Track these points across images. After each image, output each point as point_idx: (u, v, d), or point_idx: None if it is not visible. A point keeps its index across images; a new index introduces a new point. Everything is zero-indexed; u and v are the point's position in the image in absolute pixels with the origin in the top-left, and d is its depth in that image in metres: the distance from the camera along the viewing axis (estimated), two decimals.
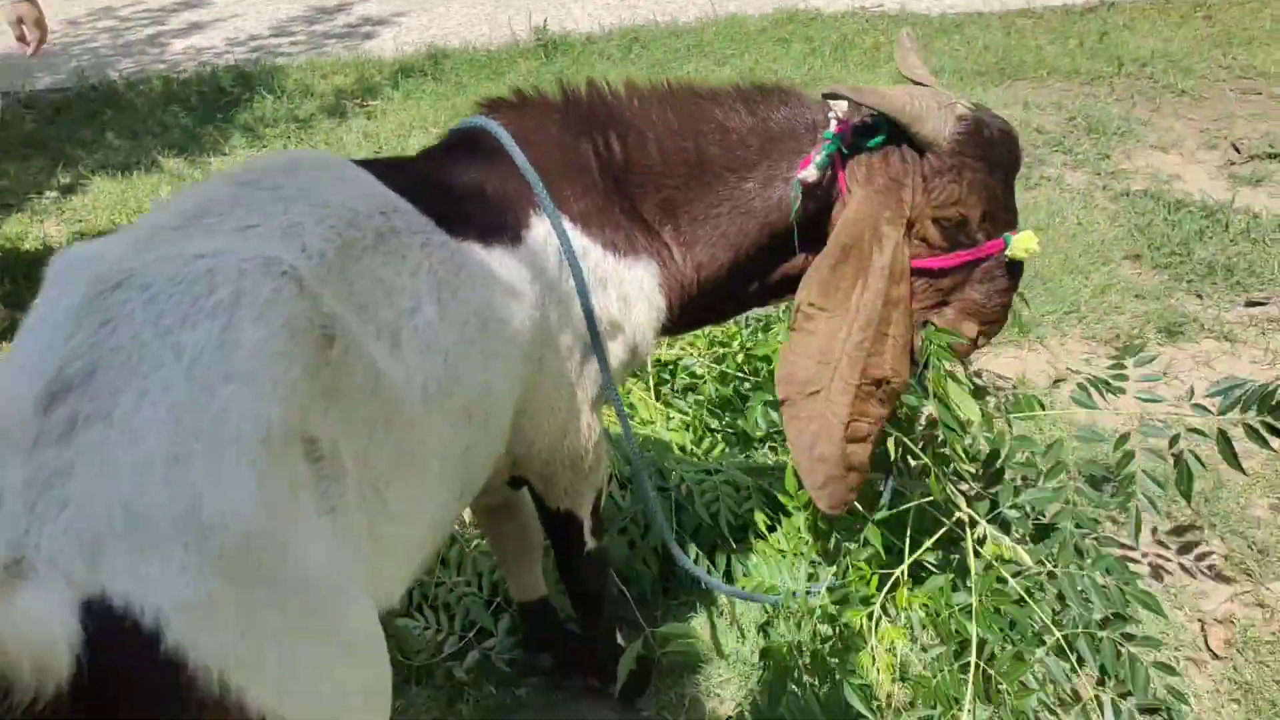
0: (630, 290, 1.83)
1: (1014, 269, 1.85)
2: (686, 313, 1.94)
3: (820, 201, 1.82)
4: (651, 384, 3.19)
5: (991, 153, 1.71)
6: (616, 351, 1.86)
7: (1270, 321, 3.72)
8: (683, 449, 2.94)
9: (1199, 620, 2.59)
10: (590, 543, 2.09)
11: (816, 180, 1.78)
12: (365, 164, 1.61)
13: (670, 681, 2.47)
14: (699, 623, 2.58)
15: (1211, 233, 4.25)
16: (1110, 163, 5.00)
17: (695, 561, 2.56)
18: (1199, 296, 3.90)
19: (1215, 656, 2.49)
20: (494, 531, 2.30)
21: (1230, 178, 4.80)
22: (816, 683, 2.19)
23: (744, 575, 2.67)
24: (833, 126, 1.79)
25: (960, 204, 1.73)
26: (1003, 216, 1.78)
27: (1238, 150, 5.05)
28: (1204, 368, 3.52)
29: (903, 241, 1.75)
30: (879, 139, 1.77)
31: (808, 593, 2.20)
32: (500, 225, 1.66)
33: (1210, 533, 2.84)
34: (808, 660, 2.20)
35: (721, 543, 2.71)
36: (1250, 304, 3.84)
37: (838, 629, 2.25)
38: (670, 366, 3.30)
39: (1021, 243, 1.78)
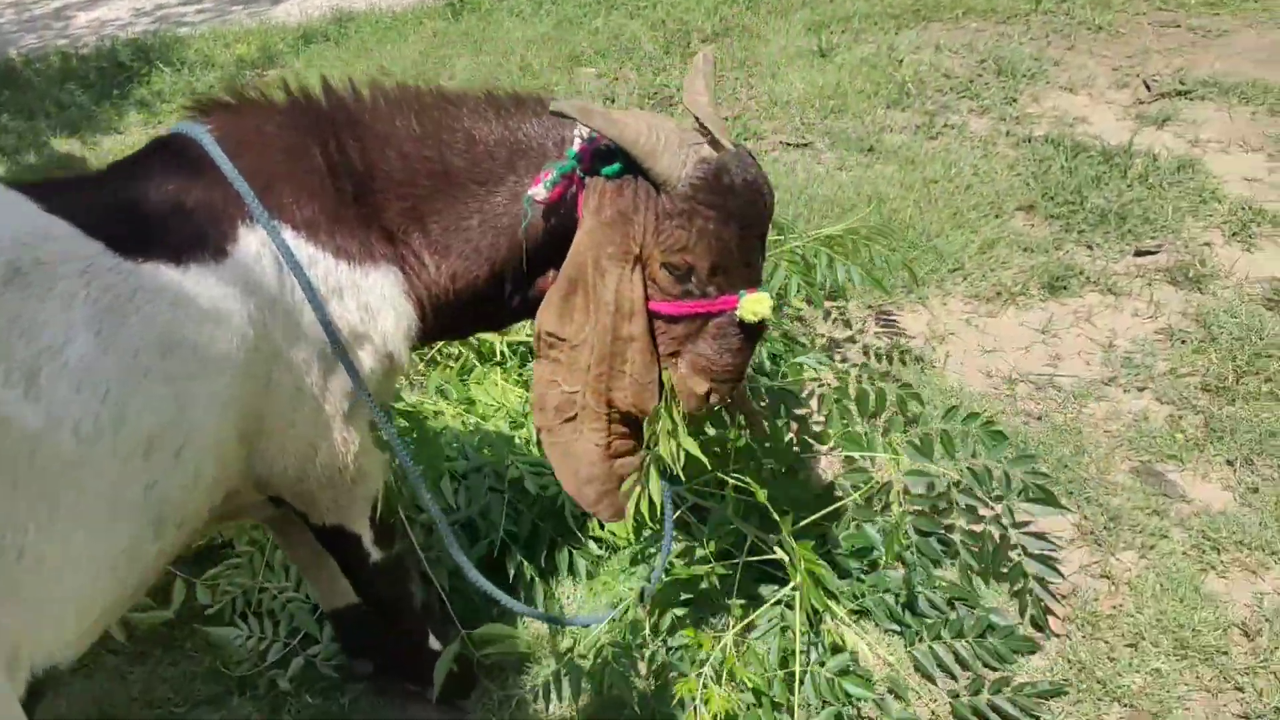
0: (371, 299, 1.73)
1: (750, 330, 1.70)
2: (443, 319, 1.85)
3: (565, 221, 1.72)
4: (496, 366, 3.09)
5: (728, 203, 1.58)
6: (367, 361, 1.76)
7: (1158, 271, 3.63)
8: (528, 441, 2.85)
9: (1040, 597, 2.53)
10: (375, 553, 2.01)
11: (550, 200, 1.67)
12: (32, 187, 1.49)
13: (498, 683, 2.41)
14: (532, 622, 2.51)
15: (1108, 179, 4.13)
16: (1016, 107, 4.86)
17: (513, 569, 2.50)
18: (1089, 247, 3.80)
19: (1053, 634, 2.43)
20: (286, 543, 2.22)
21: (1137, 118, 4.68)
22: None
23: (586, 575, 2.62)
24: (575, 145, 1.68)
25: (687, 251, 1.61)
26: (739, 272, 1.65)
27: (1148, 88, 4.92)
28: (1084, 323, 3.43)
29: (631, 278, 1.64)
30: (616, 167, 1.64)
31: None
32: (198, 241, 1.55)
33: (1066, 501, 2.77)
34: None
35: (562, 540, 2.64)
36: (1140, 253, 3.74)
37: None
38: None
39: (751, 305, 1.63)
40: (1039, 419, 3.05)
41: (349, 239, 1.70)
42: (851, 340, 3.46)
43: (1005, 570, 2.49)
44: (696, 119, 1.64)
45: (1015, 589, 2.45)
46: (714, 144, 1.62)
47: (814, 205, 4.05)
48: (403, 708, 2.39)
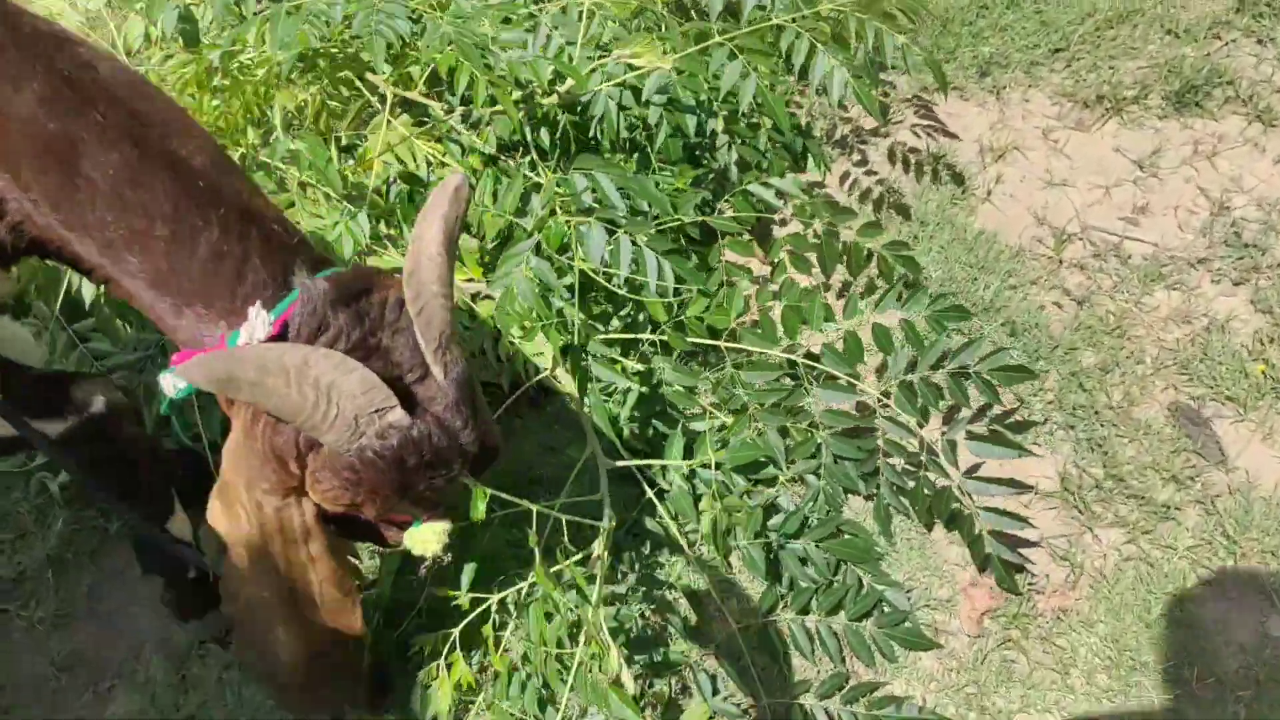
0: None
1: None
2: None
3: None
4: None
5: (408, 479, 1.23)
6: None
7: None
8: None
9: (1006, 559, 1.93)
10: None
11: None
12: None
13: None
14: None
15: None
16: None
17: None
18: (1261, 42, 2.74)
19: (967, 634, 1.86)
20: None
21: None
22: None
23: None
24: (256, 322, 1.23)
25: (353, 506, 1.27)
26: (416, 513, 1.35)
27: None
28: (1202, 162, 2.50)
29: (297, 507, 1.31)
30: None
31: None
32: None
33: (1063, 437, 2.08)
34: None
35: None
36: None
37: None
38: None
39: (421, 538, 1.34)
40: (1080, 304, 2.27)
41: None
42: (881, 134, 2.64)
43: (952, 521, 1.92)
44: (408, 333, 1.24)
45: (969, 541, 1.87)
46: (415, 392, 1.23)
47: None
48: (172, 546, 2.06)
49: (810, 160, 2.48)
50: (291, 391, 1.13)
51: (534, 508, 1.47)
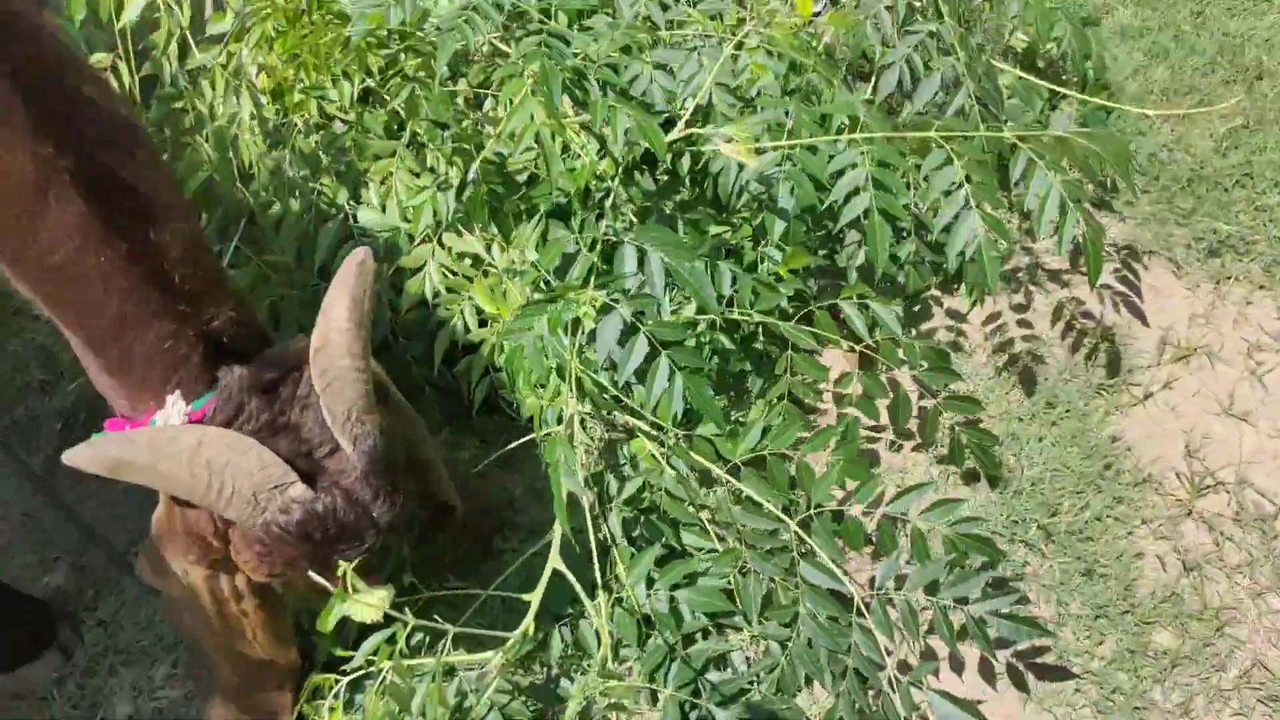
0: None
1: None
2: None
3: None
4: None
5: (319, 551, 1.26)
6: None
7: None
8: None
9: None
10: None
11: None
12: None
13: None
14: None
15: None
16: None
17: None
18: None
19: None
20: None
21: None
22: None
23: None
24: (174, 418, 1.26)
25: (275, 576, 1.31)
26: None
27: None
28: None
29: (225, 574, 1.38)
30: None
31: None
32: None
33: (1077, 715, 1.74)
34: None
35: None
36: None
37: None
38: None
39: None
40: (1188, 571, 1.89)
41: None
42: (1061, 279, 2.27)
43: None
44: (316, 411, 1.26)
45: None
46: (326, 466, 1.26)
47: (1150, 75, 2.54)
48: None
49: (964, 286, 2.19)
50: (184, 473, 1.15)
51: (410, 621, 1.37)
